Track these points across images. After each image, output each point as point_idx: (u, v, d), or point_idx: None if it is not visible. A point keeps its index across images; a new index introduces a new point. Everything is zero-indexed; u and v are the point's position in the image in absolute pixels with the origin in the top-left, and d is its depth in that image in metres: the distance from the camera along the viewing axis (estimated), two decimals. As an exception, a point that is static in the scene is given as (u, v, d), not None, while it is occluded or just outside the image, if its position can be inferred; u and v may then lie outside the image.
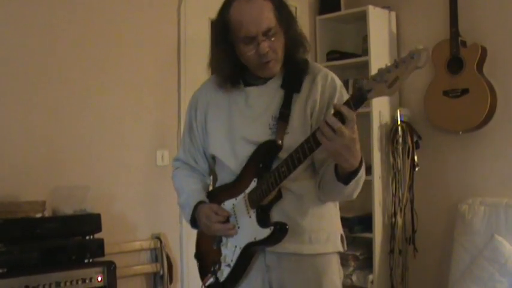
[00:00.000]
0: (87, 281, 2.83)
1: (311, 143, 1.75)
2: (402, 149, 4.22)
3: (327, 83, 1.99)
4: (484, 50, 3.90)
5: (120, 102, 3.54)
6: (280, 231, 1.89)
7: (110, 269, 2.92)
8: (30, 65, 3.17)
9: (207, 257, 2.14)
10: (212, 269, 2.05)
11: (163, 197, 3.69)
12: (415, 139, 4.22)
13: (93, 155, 3.40)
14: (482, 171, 4.01)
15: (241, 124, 2.04)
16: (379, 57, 4.27)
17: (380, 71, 1.63)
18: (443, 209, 4.18)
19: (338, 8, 4.60)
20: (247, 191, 1.97)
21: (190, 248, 3.73)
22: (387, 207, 4.27)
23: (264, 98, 2.02)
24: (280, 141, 1.92)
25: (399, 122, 4.23)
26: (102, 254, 2.97)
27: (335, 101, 1.96)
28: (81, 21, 3.37)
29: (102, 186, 3.39)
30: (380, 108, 4.25)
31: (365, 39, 4.33)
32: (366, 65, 4.24)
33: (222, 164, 2.10)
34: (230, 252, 2.01)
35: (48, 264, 2.77)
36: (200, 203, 2.09)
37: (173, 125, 3.78)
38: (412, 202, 4.23)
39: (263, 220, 1.93)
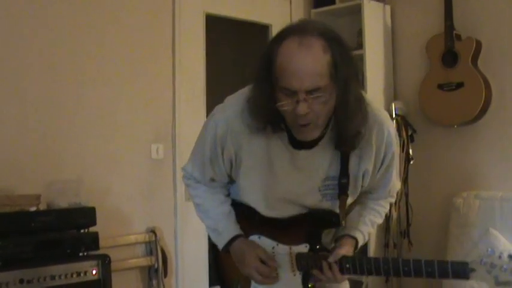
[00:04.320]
0: (81, 275, 2.82)
1: (372, 271, 1.74)
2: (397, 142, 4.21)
3: (383, 143, 1.80)
4: (478, 44, 3.90)
5: (115, 96, 3.52)
6: None
7: (105, 262, 2.91)
8: (23, 59, 3.15)
9: (231, 275, 2.03)
10: None
11: (158, 190, 3.68)
12: (409, 133, 4.23)
13: (88, 149, 3.38)
14: (477, 165, 4.01)
15: (287, 186, 1.82)
16: (373, 51, 4.27)
17: (495, 261, 1.48)
18: (438, 202, 4.18)
19: (333, 2, 4.57)
20: (296, 250, 1.88)
21: (185, 241, 3.76)
22: (382, 201, 4.27)
23: (314, 159, 1.78)
24: (344, 222, 1.81)
25: (394, 116, 4.21)
26: (97, 248, 2.96)
27: (386, 162, 1.84)
28: (75, 14, 3.35)
29: (96, 179, 3.38)
30: (374, 101, 4.23)
31: (360, 32, 4.32)
32: (360, 59, 4.23)
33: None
34: None
35: (42, 258, 2.76)
36: (237, 236, 1.93)
37: (168, 119, 3.77)
38: (406, 195, 4.23)
39: (307, 283, 1.89)
